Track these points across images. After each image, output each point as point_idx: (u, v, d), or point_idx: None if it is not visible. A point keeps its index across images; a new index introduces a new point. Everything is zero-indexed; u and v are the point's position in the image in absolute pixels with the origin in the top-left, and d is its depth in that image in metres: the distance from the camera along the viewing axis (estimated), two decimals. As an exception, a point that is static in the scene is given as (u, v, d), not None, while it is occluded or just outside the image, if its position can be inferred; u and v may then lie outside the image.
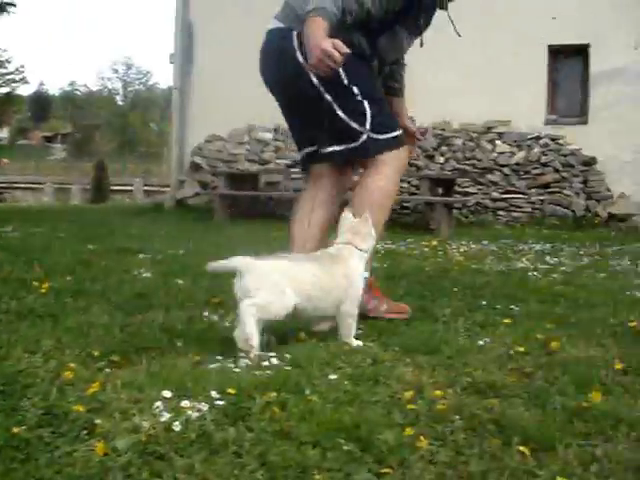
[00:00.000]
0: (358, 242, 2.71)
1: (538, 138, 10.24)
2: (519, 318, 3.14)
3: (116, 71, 58.48)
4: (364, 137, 2.99)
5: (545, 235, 8.63)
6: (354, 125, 2.99)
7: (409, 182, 10.43)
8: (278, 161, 11.36)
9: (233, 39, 11.18)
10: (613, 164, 9.92)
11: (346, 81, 2.96)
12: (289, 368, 2.19)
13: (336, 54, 2.62)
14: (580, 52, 10.36)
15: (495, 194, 10.29)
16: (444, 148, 10.61)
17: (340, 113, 3.00)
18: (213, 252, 4.23)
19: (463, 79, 10.44)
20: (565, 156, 10.04)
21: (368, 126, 2.99)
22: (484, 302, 3.53)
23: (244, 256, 2.47)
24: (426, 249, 6.51)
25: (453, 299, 3.63)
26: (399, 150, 3.07)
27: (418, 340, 2.60)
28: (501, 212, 10.24)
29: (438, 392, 1.98)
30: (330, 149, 3.08)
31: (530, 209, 10.09)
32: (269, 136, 11.57)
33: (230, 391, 1.88)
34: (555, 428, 1.75)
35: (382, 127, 3.04)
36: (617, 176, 9.94)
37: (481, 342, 2.64)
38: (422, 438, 1.66)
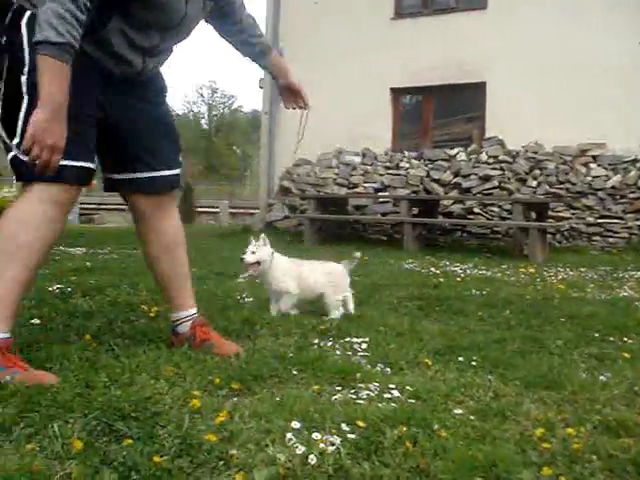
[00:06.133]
0: None
1: (635, 161, 9.93)
2: (637, 352, 3.02)
3: (201, 95, 59.73)
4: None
5: (645, 262, 8.32)
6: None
7: (500, 206, 10.27)
8: (366, 185, 11.35)
9: (323, 64, 11.38)
10: None
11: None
12: (412, 401, 2.16)
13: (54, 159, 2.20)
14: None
15: (590, 219, 10.02)
16: (537, 172, 10.40)
17: None
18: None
19: (552, 102, 10.28)
20: (664, 180, 9.71)
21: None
22: (596, 334, 3.43)
23: None
24: (523, 276, 6.37)
25: (561, 329, 3.55)
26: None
27: (536, 374, 2.53)
28: (596, 237, 9.95)
29: (570, 430, 1.91)
30: None
31: (627, 234, 9.76)
32: (357, 160, 11.60)
33: (359, 424, 1.87)
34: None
35: None
36: None
37: (603, 377, 2.55)
38: (562, 479, 1.61)
